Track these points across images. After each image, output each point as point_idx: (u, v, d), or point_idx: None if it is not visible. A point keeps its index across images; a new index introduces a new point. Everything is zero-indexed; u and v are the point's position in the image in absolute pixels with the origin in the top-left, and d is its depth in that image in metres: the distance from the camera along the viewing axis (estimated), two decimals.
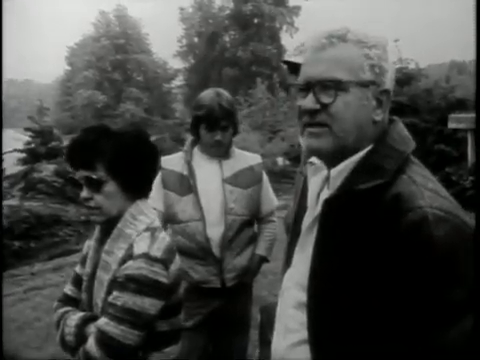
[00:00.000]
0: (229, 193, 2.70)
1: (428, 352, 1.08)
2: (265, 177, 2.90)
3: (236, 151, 2.85)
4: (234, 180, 2.73)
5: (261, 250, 2.85)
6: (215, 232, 2.67)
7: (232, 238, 2.71)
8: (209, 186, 2.69)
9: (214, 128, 2.64)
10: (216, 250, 2.67)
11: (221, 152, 2.75)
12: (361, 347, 1.16)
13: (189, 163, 2.73)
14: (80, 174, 1.73)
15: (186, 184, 2.69)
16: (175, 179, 2.72)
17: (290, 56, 2.55)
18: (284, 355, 1.34)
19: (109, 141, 1.71)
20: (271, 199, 2.93)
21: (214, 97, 2.66)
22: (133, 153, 1.75)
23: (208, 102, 2.65)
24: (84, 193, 1.72)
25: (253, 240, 2.86)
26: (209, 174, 2.72)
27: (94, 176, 1.70)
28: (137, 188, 1.79)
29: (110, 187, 1.72)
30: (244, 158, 2.85)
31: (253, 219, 2.87)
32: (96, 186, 1.71)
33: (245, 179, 2.77)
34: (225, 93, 2.74)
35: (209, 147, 2.72)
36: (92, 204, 1.73)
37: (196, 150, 2.79)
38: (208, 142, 2.69)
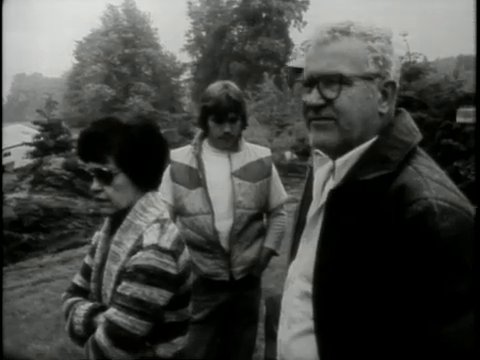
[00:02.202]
0: (237, 186, 2.69)
1: (431, 342, 1.08)
2: (274, 170, 2.89)
3: (246, 144, 2.84)
4: (243, 173, 2.72)
5: (270, 243, 2.85)
6: (223, 225, 2.67)
7: (240, 231, 2.70)
8: (218, 179, 2.70)
9: (222, 120, 2.64)
10: (224, 243, 2.68)
11: (230, 144, 2.74)
12: (366, 337, 1.17)
13: (198, 156, 2.73)
14: (90, 166, 1.73)
15: (195, 177, 2.70)
16: (184, 172, 2.72)
17: (295, 55, 2.55)
18: (288, 345, 1.35)
19: (119, 134, 1.71)
20: (280, 192, 2.92)
21: (222, 89, 2.66)
22: (143, 145, 1.74)
23: (216, 94, 2.65)
24: (94, 185, 1.73)
25: (262, 233, 2.85)
26: (218, 167, 2.72)
27: (104, 169, 1.70)
28: (147, 180, 1.79)
29: (120, 179, 1.72)
30: (253, 151, 2.83)
31: (262, 212, 2.87)
32: (106, 178, 1.71)
33: (254, 172, 2.75)
34: (233, 85, 2.74)
35: (218, 139, 2.71)
36: (102, 196, 1.74)
37: (205, 143, 2.79)
38: (217, 134, 2.68)
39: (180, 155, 2.77)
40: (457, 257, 1.08)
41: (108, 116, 1.85)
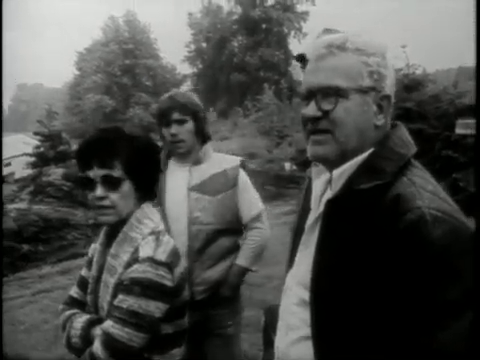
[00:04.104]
0: (195, 201, 2.57)
1: (424, 349, 1.10)
2: (244, 180, 2.69)
3: (213, 155, 2.71)
4: (201, 187, 2.59)
5: (241, 260, 2.66)
6: (181, 242, 2.44)
7: (201, 249, 2.56)
8: (176, 195, 2.61)
9: (168, 122, 2.57)
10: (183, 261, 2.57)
11: (183, 150, 2.62)
12: (362, 343, 1.19)
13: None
14: (96, 173, 1.70)
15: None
16: None
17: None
18: (286, 351, 1.38)
19: (125, 141, 1.73)
20: (251, 205, 2.70)
21: (168, 94, 2.65)
22: (146, 155, 1.78)
23: (161, 99, 2.65)
24: (99, 192, 1.70)
25: (233, 251, 2.68)
26: (177, 183, 2.63)
27: (114, 174, 1.70)
28: (147, 190, 1.82)
29: (126, 186, 1.73)
30: (218, 162, 2.68)
31: (233, 228, 2.67)
32: (113, 185, 1.71)
33: (215, 185, 2.61)
34: (184, 92, 2.72)
35: (171, 146, 2.63)
36: (107, 203, 1.72)
37: (172, 159, 2.72)
38: (168, 139, 2.60)
39: None
40: (449, 264, 1.10)
41: (112, 125, 1.88)
